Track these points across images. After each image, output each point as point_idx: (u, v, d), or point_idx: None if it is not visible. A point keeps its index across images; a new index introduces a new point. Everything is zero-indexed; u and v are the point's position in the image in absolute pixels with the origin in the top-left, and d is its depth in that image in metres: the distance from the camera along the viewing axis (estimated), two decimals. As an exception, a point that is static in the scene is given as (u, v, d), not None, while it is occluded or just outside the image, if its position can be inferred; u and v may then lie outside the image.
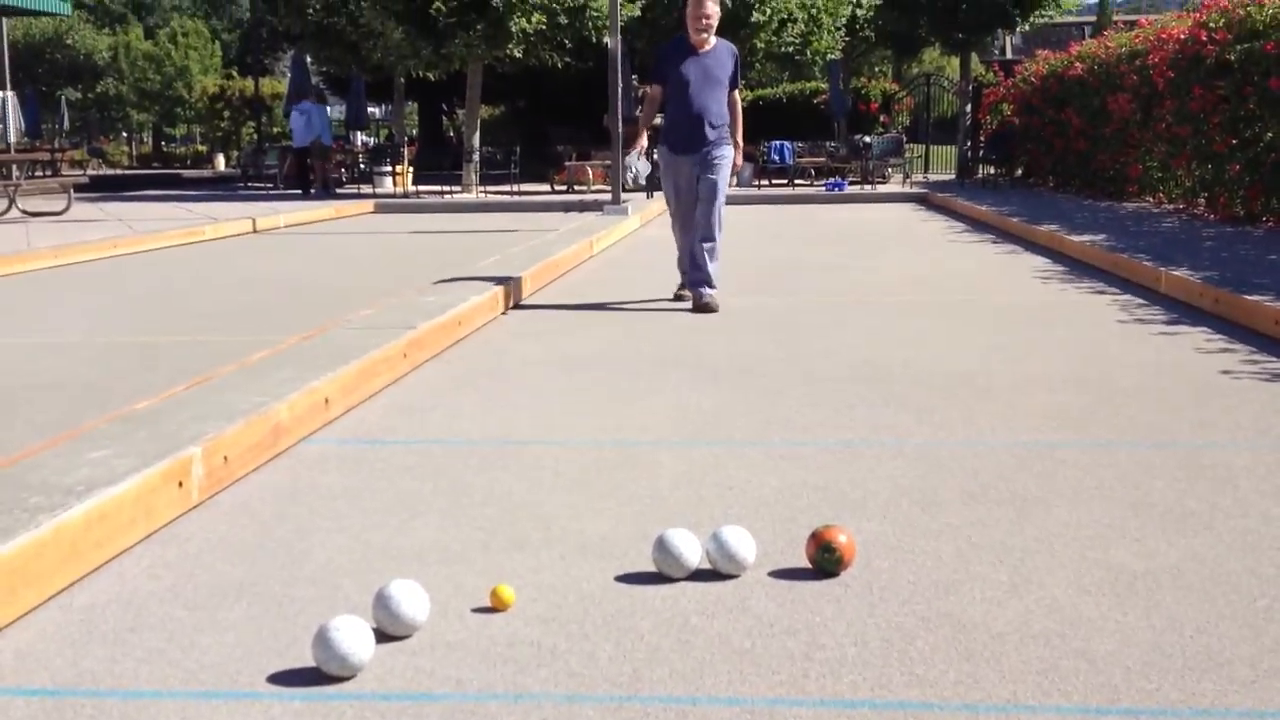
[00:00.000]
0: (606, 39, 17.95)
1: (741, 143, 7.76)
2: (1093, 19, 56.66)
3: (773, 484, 3.59)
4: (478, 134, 22.76)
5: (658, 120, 8.08)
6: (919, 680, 2.27)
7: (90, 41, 53.35)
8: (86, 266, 10.38)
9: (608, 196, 17.30)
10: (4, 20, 25.03)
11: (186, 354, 5.53)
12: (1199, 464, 3.77)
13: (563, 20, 20.25)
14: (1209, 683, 2.25)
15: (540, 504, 3.41)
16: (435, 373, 5.49)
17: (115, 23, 64.45)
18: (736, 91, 7.67)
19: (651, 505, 3.39)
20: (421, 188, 23.22)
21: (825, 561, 2.80)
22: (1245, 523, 3.18)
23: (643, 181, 8.15)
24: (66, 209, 16.13)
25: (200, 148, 55.26)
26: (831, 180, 23.42)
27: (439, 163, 24.52)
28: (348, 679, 2.30)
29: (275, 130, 45.73)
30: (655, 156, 8.01)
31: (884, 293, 8.15)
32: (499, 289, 7.37)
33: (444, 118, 40.77)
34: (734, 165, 7.64)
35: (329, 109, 23.83)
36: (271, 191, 24.19)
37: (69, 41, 51.77)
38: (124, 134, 62.18)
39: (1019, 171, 23.64)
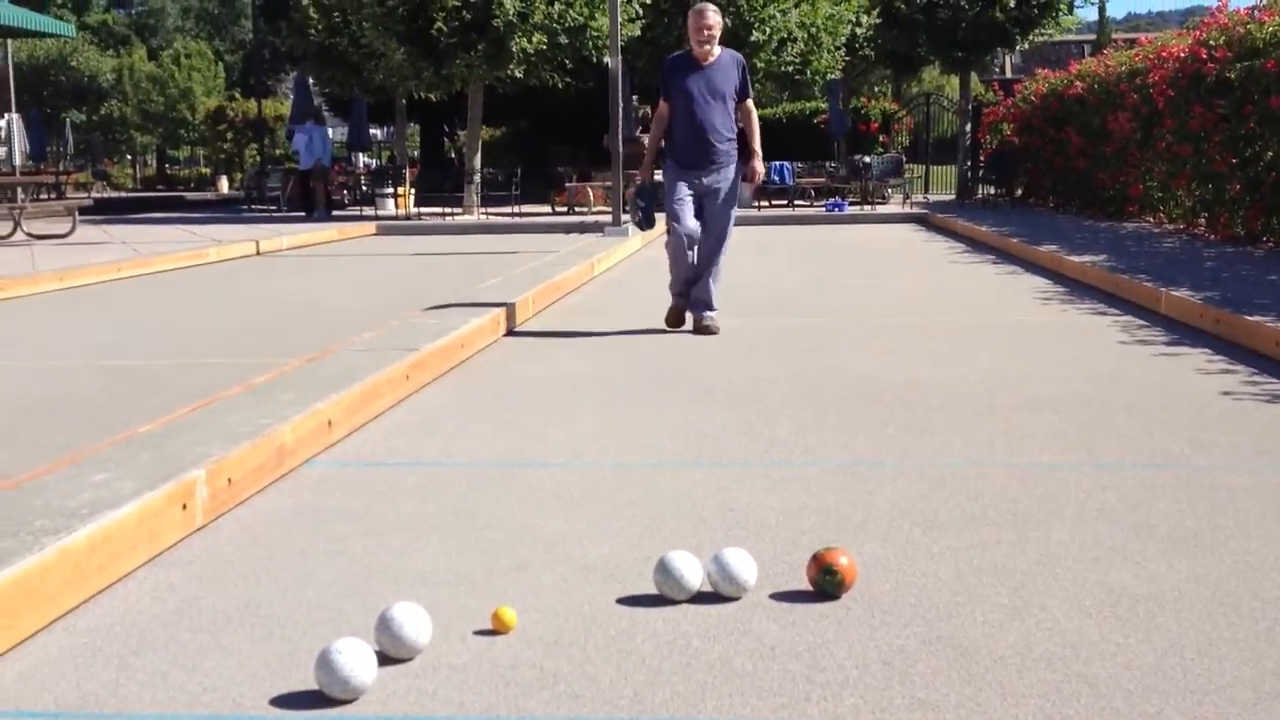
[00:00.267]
0: (607, 59, 18.01)
1: (759, 150, 7.41)
2: (1092, 37, 56.82)
3: (774, 506, 3.59)
4: (479, 155, 22.82)
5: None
6: (920, 703, 2.27)
7: (94, 64, 53.59)
8: (91, 289, 10.40)
9: (608, 218, 17.35)
10: (9, 43, 25.13)
11: (190, 376, 5.54)
12: (1200, 485, 3.77)
13: (563, 40, 20.32)
14: (1211, 706, 2.25)
15: (542, 526, 3.42)
16: (438, 395, 5.51)
17: (119, 45, 64.78)
18: (749, 101, 7.41)
19: (653, 527, 3.40)
20: (423, 209, 23.27)
21: (826, 584, 2.81)
22: (1247, 544, 3.19)
23: (647, 218, 7.66)
24: (71, 231, 16.17)
25: (204, 170, 55.39)
26: (831, 201, 23.46)
27: (440, 184, 24.54)
28: (350, 702, 2.30)
29: (278, 152, 45.84)
30: (659, 176, 7.71)
31: (885, 314, 8.17)
32: (501, 311, 7.38)
33: (445, 139, 40.85)
34: (755, 175, 7.37)
35: (329, 130, 23.85)
36: (275, 213, 24.24)
37: (73, 64, 52.00)
38: (128, 156, 62.37)
39: (1019, 191, 23.68)
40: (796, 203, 24.35)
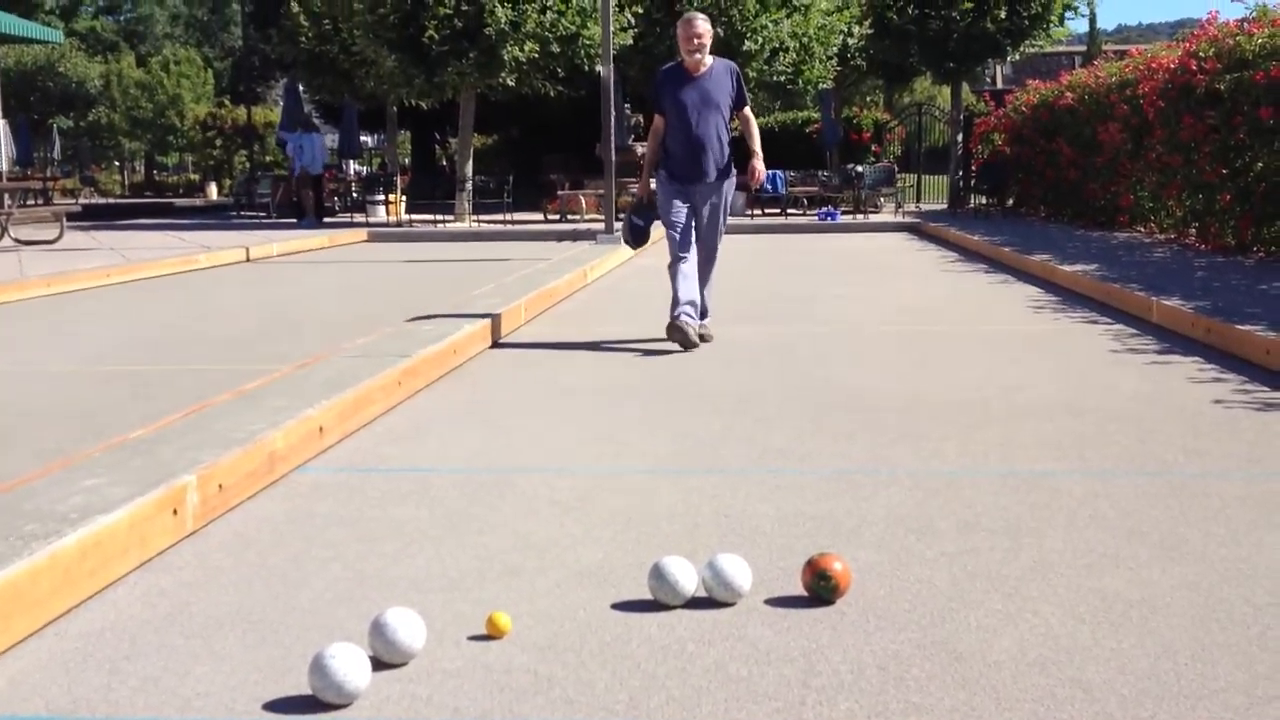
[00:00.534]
0: (599, 67, 18.03)
1: (760, 151, 7.31)
2: (1083, 48, 57.06)
3: (768, 512, 3.59)
4: (470, 163, 22.82)
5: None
6: (915, 708, 2.27)
7: (82, 70, 53.49)
8: (80, 295, 10.38)
9: (601, 225, 17.36)
10: (-3, 49, 25.09)
11: (181, 383, 5.53)
12: (1192, 493, 3.78)
13: (555, 49, 20.34)
14: (1204, 710, 2.25)
15: (536, 532, 3.42)
16: (430, 401, 5.50)
17: (107, 51, 64.65)
18: (748, 108, 7.35)
19: (647, 533, 3.40)
20: (414, 216, 23.26)
21: (821, 589, 2.81)
22: (1238, 551, 3.19)
23: (634, 244, 7.63)
24: (59, 238, 16.12)
25: (193, 176, 55.37)
26: (824, 210, 23.49)
27: (432, 191, 24.58)
28: (344, 707, 2.29)
29: (268, 159, 45.82)
30: (652, 185, 7.43)
31: (878, 322, 8.17)
32: (493, 318, 7.38)
33: (437, 146, 40.88)
34: (757, 175, 7.23)
35: (321, 137, 23.82)
36: (265, 220, 24.22)
37: (61, 69, 51.89)
38: (116, 162, 62.32)
39: (1010, 201, 23.73)
40: (789, 212, 24.38)
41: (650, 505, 3.69)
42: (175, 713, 2.29)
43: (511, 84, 20.80)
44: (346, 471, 4.19)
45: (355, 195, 26.28)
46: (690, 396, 5.52)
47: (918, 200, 28.18)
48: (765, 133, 30.91)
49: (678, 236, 7.18)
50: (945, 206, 26.32)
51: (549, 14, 19.93)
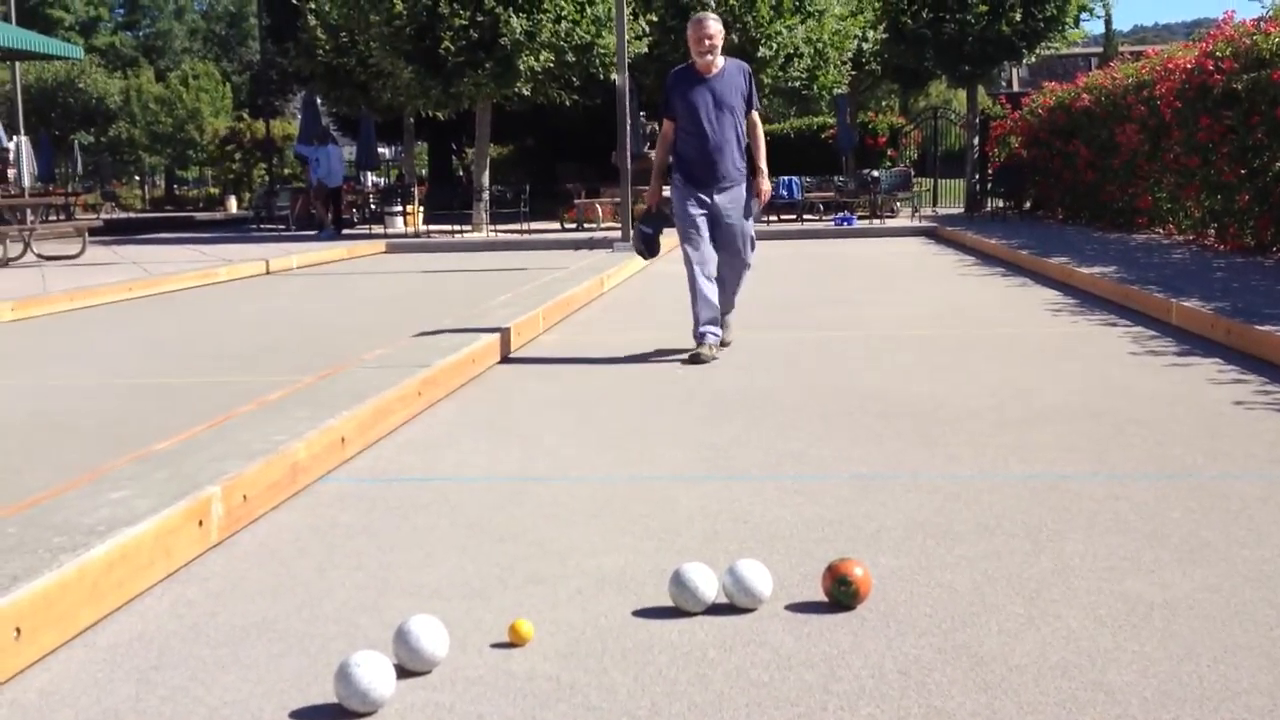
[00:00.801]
0: (614, 76, 18.08)
1: (765, 168, 7.07)
2: (1099, 50, 56.87)
3: (788, 518, 3.60)
4: (487, 173, 22.89)
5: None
6: (937, 712, 2.28)
7: (102, 85, 53.78)
8: (102, 309, 10.45)
9: (617, 234, 17.39)
10: (17, 65, 25.28)
11: (204, 395, 5.57)
12: (1213, 495, 3.77)
13: (570, 58, 20.40)
14: (1226, 712, 2.26)
15: (556, 539, 3.43)
16: (450, 410, 5.52)
17: (126, 66, 65.04)
18: (755, 113, 7.04)
19: (667, 540, 3.41)
20: (432, 227, 23.34)
21: (841, 594, 2.82)
22: (1260, 553, 3.19)
23: (647, 253, 7.29)
24: (81, 252, 16.23)
25: (212, 190, 55.59)
26: (840, 215, 23.50)
27: (449, 202, 24.62)
28: (369, 715, 2.31)
29: (286, 172, 46.01)
30: (665, 193, 7.30)
31: (896, 327, 8.17)
32: (511, 327, 7.40)
33: (453, 157, 40.99)
34: (763, 194, 7.02)
35: (338, 149, 23.91)
36: (284, 233, 24.33)
37: (81, 85, 52.19)
38: (136, 177, 62.59)
39: (1028, 204, 23.68)
40: (805, 217, 24.39)
41: (670, 512, 3.71)
42: (203, 722, 2.31)
43: (527, 94, 20.86)
44: (368, 481, 4.21)
45: (373, 207, 26.38)
46: (708, 402, 5.53)
47: (934, 204, 28.16)
48: (781, 138, 31.09)
49: (695, 251, 6.89)
50: (962, 210, 26.29)
51: (564, 23, 19.99)
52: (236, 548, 3.44)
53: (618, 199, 18.71)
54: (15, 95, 25.03)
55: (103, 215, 31.33)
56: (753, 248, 7.20)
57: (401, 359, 6.04)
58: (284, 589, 3.07)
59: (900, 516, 3.60)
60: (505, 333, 7.22)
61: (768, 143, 7.44)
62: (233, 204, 48.10)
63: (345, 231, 23.33)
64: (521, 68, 19.82)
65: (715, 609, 2.82)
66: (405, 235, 21.95)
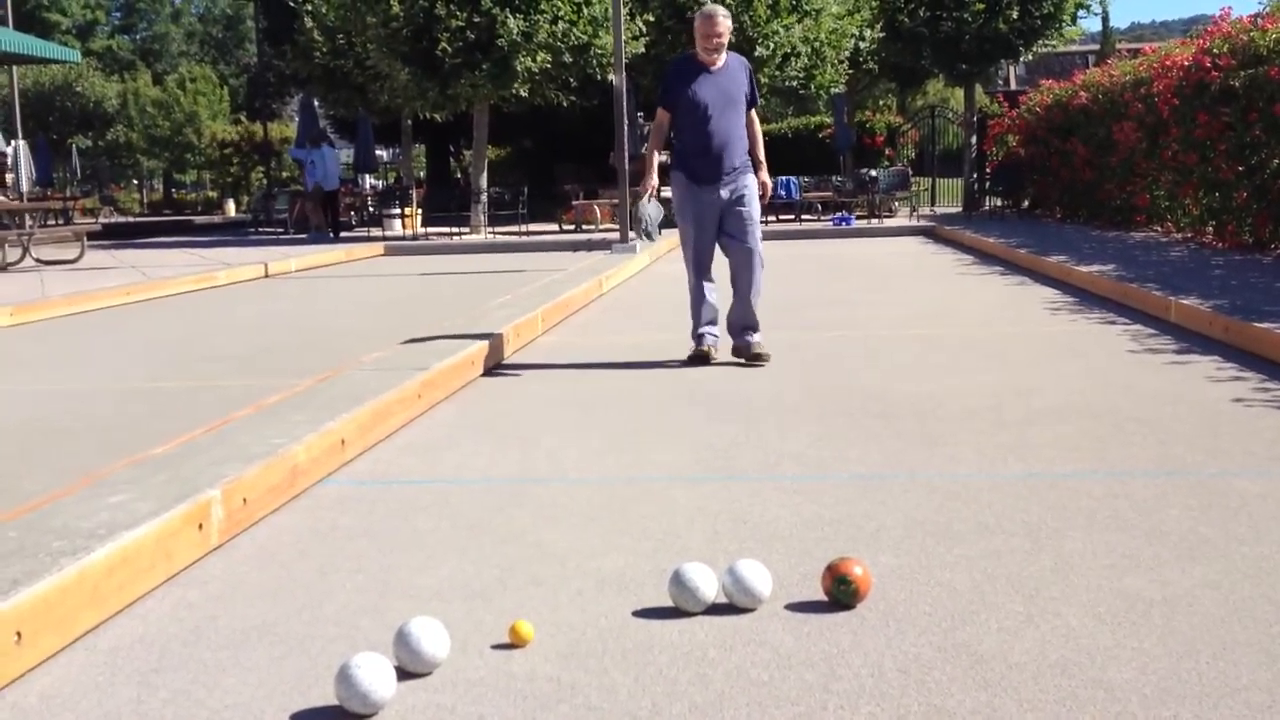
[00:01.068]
0: (611, 76, 18.08)
1: (765, 162, 6.90)
2: (1096, 47, 56.88)
3: (787, 518, 3.61)
4: (485, 174, 22.90)
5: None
6: (937, 710, 2.28)
7: (100, 89, 53.80)
8: (101, 313, 10.45)
9: (616, 235, 17.39)
10: (14, 69, 25.28)
11: (203, 399, 5.57)
12: (1212, 492, 3.78)
13: (567, 59, 20.40)
14: (1226, 709, 2.26)
15: (557, 541, 3.44)
16: (449, 412, 5.53)
17: (124, 70, 65.05)
18: (755, 110, 6.85)
19: (667, 540, 3.41)
20: (430, 229, 23.34)
21: (841, 594, 2.82)
22: (1259, 550, 3.19)
23: (655, 233, 6.96)
24: (80, 257, 16.24)
25: (211, 193, 55.62)
26: (838, 215, 23.51)
27: (447, 204, 24.64)
28: (370, 716, 2.32)
29: (285, 175, 46.02)
30: (665, 194, 7.16)
31: (894, 326, 8.18)
32: (510, 329, 7.40)
33: (451, 159, 41.00)
34: (764, 190, 6.82)
35: (331, 150, 23.87)
36: (282, 236, 24.33)
37: (79, 89, 52.21)
38: (135, 181, 62.62)
39: (1026, 203, 23.69)
40: (803, 217, 24.39)
41: (669, 513, 3.71)
42: (204, 725, 2.31)
43: (525, 95, 20.87)
44: (368, 484, 4.22)
45: (371, 209, 26.38)
46: (707, 403, 5.53)
47: (932, 203, 28.16)
48: (778, 138, 31.05)
49: (696, 254, 6.76)
50: (960, 209, 26.30)
51: (561, 24, 19.99)
52: (237, 551, 3.44)
53: (616, 200, 18.71)
54: (13, 99, 25.04)
55: (101, 219, 31.36)
56: None
57: (401, 361, 6.05)
58: (284, 591, 3.07)
59: (900, 515, 3.60)
60: (504, 335, 7.22)
61: (766, 141, 7.36)
62: (231, 207, 48.13)
63: (343, 234, 23.33)
64: (519, 69, 19.83)
65: (715, 609, 2.82)
66: (403, 238, 21.96)
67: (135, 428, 4.87)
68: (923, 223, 21.90)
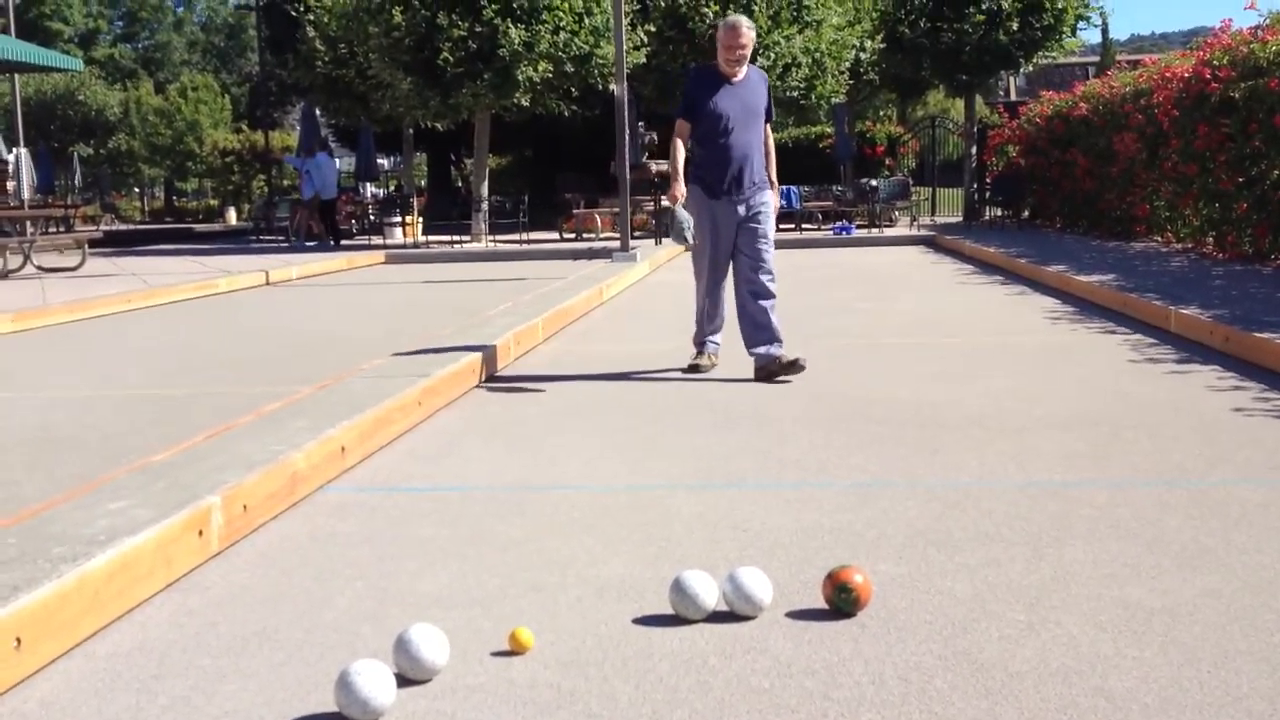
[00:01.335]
0: (613, 86, 18.09)
1: (776, 181, 6.85)
2: (1096, 59, 56.95)
3: (787, 525, 3.61)
4: (486, 183, 22.91)
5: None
6: (938, 718, 2.28)
7: (101, 97, 53.87)
8: (102, 321, 10.45)
9: (616, 243, 17.40)
10: (16, 77, 25.32)
11: (203, 406, 5.57)
12: (1213, 501, 3.78)
13: (569, 69, 20.42)
14: (1227, 718, 2.26)
15: (557, 548, 3.44)
16: (450, 420, 5.53)
17: (126, 78, 65.15)
18: (769, 126, 6.76)
19: (667, 548, 3.41)
20: (431, 238, 23.35)
21: (842, 602, 2.82)
22: (1260, 559, 3.19)
23: (692, 238, 6.61)
24: (81, 264, 16.24)
25: (212, 202, 55.63)
26: (839, 224, 23.50)
27: (448, 213, 24.70)
28: (370, 724, 2.31)
29: (286, 183, 46.05)
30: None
31: (895, 335, 8.18)
32: (510, 336, 7.41)
33: (452, 167, 41.05)
34: (775, 208, 6.77)
35: (326, 158, 23.85)
36: (283, 244, 24.34)
37: (80, 98, 52.27)
38: (136, 189, 62.66)
39: (1026, 213, 23.71)
40: (804, 227, 24.40)
41: (669, 520, 3.71)
42: (204, 731, 2.31)
43: (526, 104, 20.88)
44: (368, 491, 4.21)
45: (372, 218, 26.41)
46: (707, 411, 5.53)
47: (933, 213, 28.19)
48: (779, 148, 30.92)
49: (709, 268, 6.66)
50: (960, 219, 26.33)
51: (562, 34, 20.02)
52: (237, 557, 3.44)
53: (616, 209, 18.72)
54: (15, 107, 25.07)
55: (102, 227, 31.35)
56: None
57: (401, 369, 6.05)
58: (284, 598, 3.07)
59: (900, 524, 3.60)
60: (505, 342, 7.22)
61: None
62: (232, 215, 48.16)
63: (344, 242, 23.34)
64: (520, 78, 19.84)
65: (716, 616, 2.82)
66: (404, 246, 21.96)
67: (135, 434, 4.86)
68: (923, 232, 21.90)
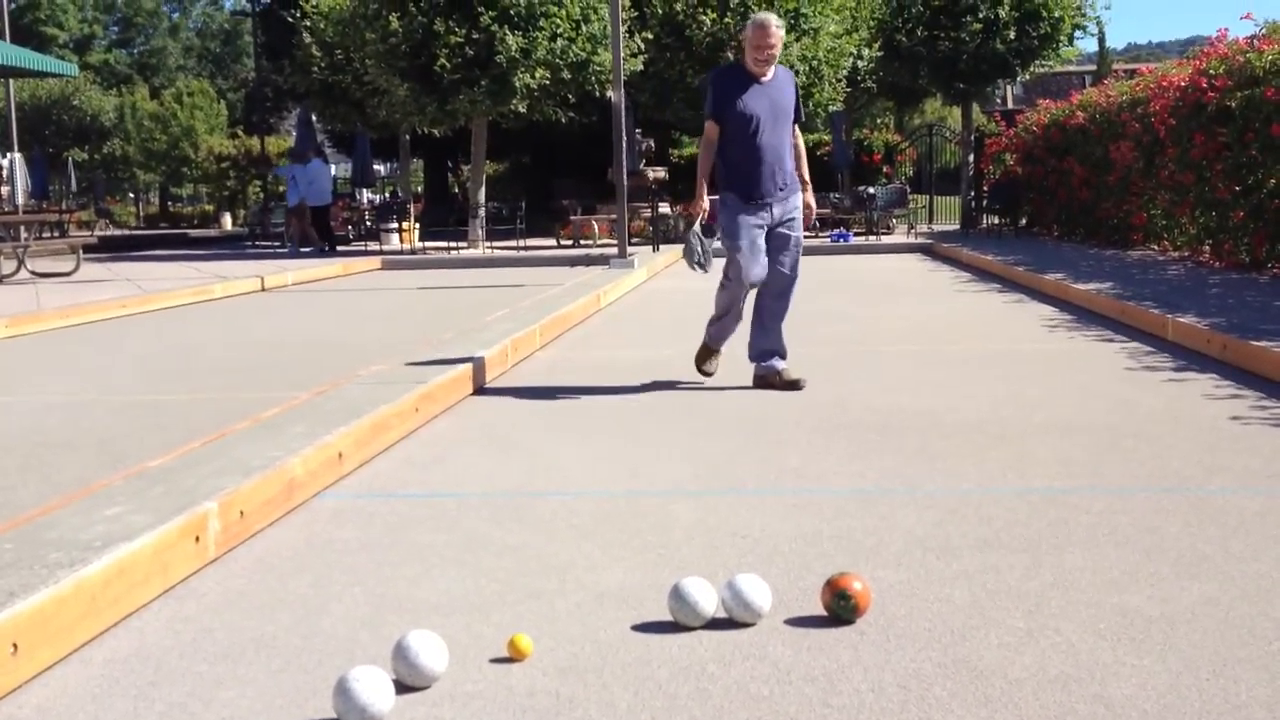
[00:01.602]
0: (610, 93, 18.11)
1: (809, 181, 6.61)
2: (1093, 68, 57.05)
3: (786, 532, 3.60)
4: (483, 189, 22.91)
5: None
6: (938, 726, 2.27)
7: (96, 103, 53.88)
8: (97, 326, 10.44)
9: (614, 250, 17.40)
10: (11, 82, 25.30)
11: (199, 411, 5.56)
12: (1211, 509, 3.77)
13: (566, 75, 20.43)
14: (1228, 725, 2.25)
15: (555, 555, 3.43)
16: (447, 426, 5.52)
17: (121, 84, 65.12)
18: (797, 127, 6.53)
19: (666, 555, 3.41)
20: (428, 244, 23.34)
21: (841, 609, 2.81)
22: (1258, 567, 3.19)
23: (708, 263, 6.50)
24: (75, 269, 16.22)
25: (207, 207, 55.60)
26: (836, 232, 23.53)
27: (445, 219, 24.68)
28: (368, 730, 2.30)
29: (281, 189, 46.04)
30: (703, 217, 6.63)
31: (893, 342, 8.18)
32: (508, 343, 7.40)
33: (449, 174, 41.03)
34: (810, 210, 6.57)
35: (306, 168, 23.78)
36: (279, 250, 24.32)
37: (75, 103, 52.29)
38: (131, 194, 62.63)
39: (1023, 221, 23.74)
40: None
41: (668, 527, 3.70)
42: (201, 738, 2.30)
43: (523, 111, 20.89)
44: (366, 497, 4.20)
45: (369, 224, 26.40)
46: (706, 417, 5.53)
47: (930, 221, 28.22)
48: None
49: (746, 275, 6.32)
50: (958, 227, 26.36)
51: (559, 41, 20.03)
52: (234, 564, 3.43)
53: (614, 216, 18.73)
54: (9, 112, 25.06)
55: (97, 232, 31.33)
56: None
57: (398, 375, 6.04)
58: (282, 605, 3.06)
59: (899, 530, 3.59)
60: (503, 348, 7.22)
61: None
62: (228, 221, 48.13)
63: (340, 248, 23.33)
64: (517, 85, 19.85)
65: (715, 623, 2.81)
66: (401, 252, 21.96)
67: (131, 440, 4.85)
68: (920, 240, 21.93)
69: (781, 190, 6.35)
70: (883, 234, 24.23)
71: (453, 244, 22.22)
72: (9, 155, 24.26)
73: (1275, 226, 12.08)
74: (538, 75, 19.96)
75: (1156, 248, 16.62)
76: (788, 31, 23.64)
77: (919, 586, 3.08)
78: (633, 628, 2.83)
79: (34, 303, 11.56)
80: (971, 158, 26.23)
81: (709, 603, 2.80)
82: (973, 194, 25.78)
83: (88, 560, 2.90)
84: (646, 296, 12.78)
